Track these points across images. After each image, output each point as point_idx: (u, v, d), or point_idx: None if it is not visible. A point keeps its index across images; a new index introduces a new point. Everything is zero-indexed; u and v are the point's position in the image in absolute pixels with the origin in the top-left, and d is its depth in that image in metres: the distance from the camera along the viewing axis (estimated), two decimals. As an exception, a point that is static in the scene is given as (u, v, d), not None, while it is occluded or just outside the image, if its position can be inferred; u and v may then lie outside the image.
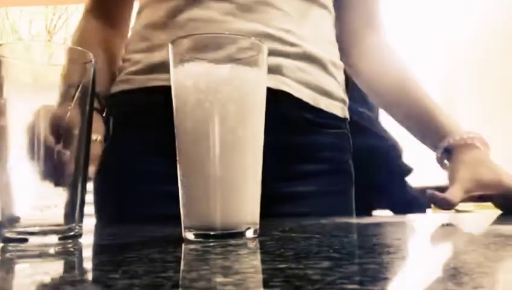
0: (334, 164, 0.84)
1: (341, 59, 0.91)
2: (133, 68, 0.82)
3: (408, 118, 0.92)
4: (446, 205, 0.76)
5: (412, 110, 0.90)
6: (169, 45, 0.49)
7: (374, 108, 1.23)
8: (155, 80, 0.78)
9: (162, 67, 0.77)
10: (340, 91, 0.87)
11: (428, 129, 0.88)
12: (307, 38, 0.81)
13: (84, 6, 0.97)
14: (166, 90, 0.77)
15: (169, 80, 0.77)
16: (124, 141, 0.81)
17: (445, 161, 0.86)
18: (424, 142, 0.91)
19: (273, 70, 0.75)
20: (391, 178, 1.19)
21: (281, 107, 0.77)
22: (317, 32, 0.84)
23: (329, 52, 0.86)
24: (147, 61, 0.80)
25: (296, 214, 0.77)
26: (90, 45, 0.88)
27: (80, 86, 0.47)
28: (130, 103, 0.81)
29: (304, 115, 0.80)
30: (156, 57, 0.79)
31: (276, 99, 0.74)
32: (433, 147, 0.87)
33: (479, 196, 0.80)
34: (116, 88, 0.84)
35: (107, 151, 0.83)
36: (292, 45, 0.79)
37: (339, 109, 0.86)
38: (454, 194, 0.78)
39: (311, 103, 0.81)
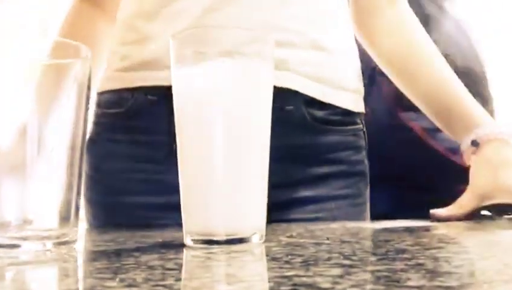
0: (346, 165, 0.82)
1: (361, 38, 0.89)
2: (121, 64, 0.79)
3: (429, 100, 0.87)
4: (451, 220, 0.74)
5: (432, 91, 0.86)
6: (170, 41, 0.48)
7: None
8: (146, 79, 0.76)
9: (154, 64, 0.75)
10: (352, 81, 0.84)
11: (452, 117, 0.84)
12: (311, 23, 0.78)
13: None
14: (159, 90, 0.76)
15: (162, 79, 0.76)
16: (111, 146, 0.80)
17: (472, 156, 0.80)
18: (449, 132, 0.86)
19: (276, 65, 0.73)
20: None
21: (285, 106, 0.75)
22: (320, 14, 0.80)
23: (337, 37, 0.82)
24: (137, 56, 0.77)
25: (303, 220, 0.76)
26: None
27: (75, 82, 0.47)
28: (118, 104, 0.79)
29: (312, 112, 0.78)
30: (147, 52, 0.76)
31: (280, 98, 0.69)
32: (459, 138, 0.82)
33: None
34: (103, 86, 0.82)
35: (92, 156, 0.81)
36: (297, 32, 0.76)
37: (352, 101, 0.83)
38: (464, 204, 0.75)
39: (320, 98, 0.78)
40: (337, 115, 0.81)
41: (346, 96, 0.82)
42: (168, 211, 0.72)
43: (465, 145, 0.80)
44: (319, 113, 0.79)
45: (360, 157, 0.85)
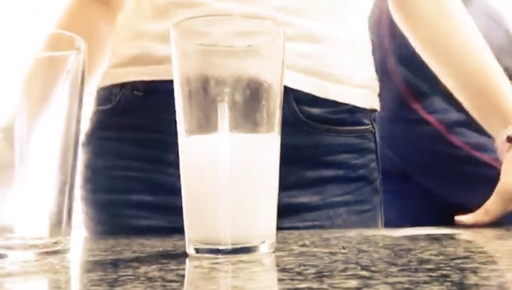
0: (346, 170, 0.81)
1: (400, 22, 0.89)
2: (114, 61, 0.84)
3: (467, 87, 0.86)
4: (477, 227, 0.73)
5: (473, 77, 0.85)
6: (171, 30, 0.48)
7: None
8: (131, 74, 0.79)
9: (140, 59, 0.78)
10: (361, 74, 0.83)
11: (489, 108, 0.83)
12: (307, 13, 0.78)
13: None
14: (144, 85, 0.78)
15: (148, 73, 0.78)
16: (101, 144, 0.82)
17: (506, 153, 0.80)
18: (483, 124, 0.85)
19: None
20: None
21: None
22: (321, 3, 0.80)
23: (341, 26, 0.82)
24: (125, 52, 0.81)
25: (297, 229, 0.75)
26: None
27: (68, 77, 0.47)
28: (108, 101, 0.82)
29: (306, 109, 0.78)
30: (134, 48, 0.80)
31: None
32: (494, 132, 0.83)
33: None
34: (98, 83, 0.86)
35: (84, 154, 0.84)
36: (287, 25, 0.76)
37: (360, 97, 0.83)
38: (490, 210, 0.75)
39: (317, 93, 0.78)
40: (339, 113, 0.80)
41: (353, 91, 0.81)
42: (158, 211, 0.74)
43: (500, 140, 0.80)
44: (315, 111, 0.78)
45: (364, 161, 0.84)
